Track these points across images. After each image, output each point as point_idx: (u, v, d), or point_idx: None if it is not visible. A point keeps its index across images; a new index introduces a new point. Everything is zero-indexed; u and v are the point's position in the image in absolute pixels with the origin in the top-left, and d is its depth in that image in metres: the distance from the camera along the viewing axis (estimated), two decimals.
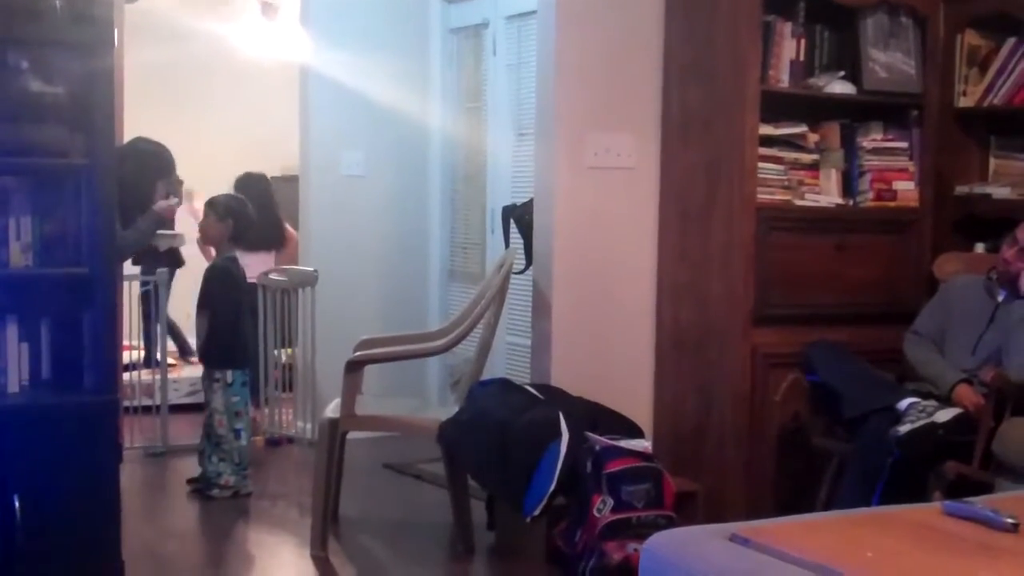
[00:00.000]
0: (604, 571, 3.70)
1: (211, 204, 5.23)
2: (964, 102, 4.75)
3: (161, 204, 5.09)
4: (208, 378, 5.14)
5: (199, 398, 5.73)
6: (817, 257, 4.48)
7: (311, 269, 6.03)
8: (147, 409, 6.02)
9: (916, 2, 4.66)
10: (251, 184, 6.60)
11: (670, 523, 3.70)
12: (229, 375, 5.10)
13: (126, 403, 5.60)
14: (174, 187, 5.24)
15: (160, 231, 5.04)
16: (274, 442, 6.14)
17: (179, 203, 5.07)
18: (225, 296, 5.13)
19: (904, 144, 4.69)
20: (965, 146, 4.81)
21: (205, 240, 5.13)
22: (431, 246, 6.53)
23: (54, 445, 3.43)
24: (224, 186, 7.05)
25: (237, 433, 5.11)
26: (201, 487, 5.13)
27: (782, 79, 4.47)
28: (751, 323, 4.37)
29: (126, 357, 6.08)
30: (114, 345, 3.64)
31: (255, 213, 5.32)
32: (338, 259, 6.15)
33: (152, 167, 4.96)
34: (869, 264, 4.58)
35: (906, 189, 4.67)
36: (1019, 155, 4.78)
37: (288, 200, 6.74)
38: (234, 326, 5.18)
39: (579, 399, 4.23)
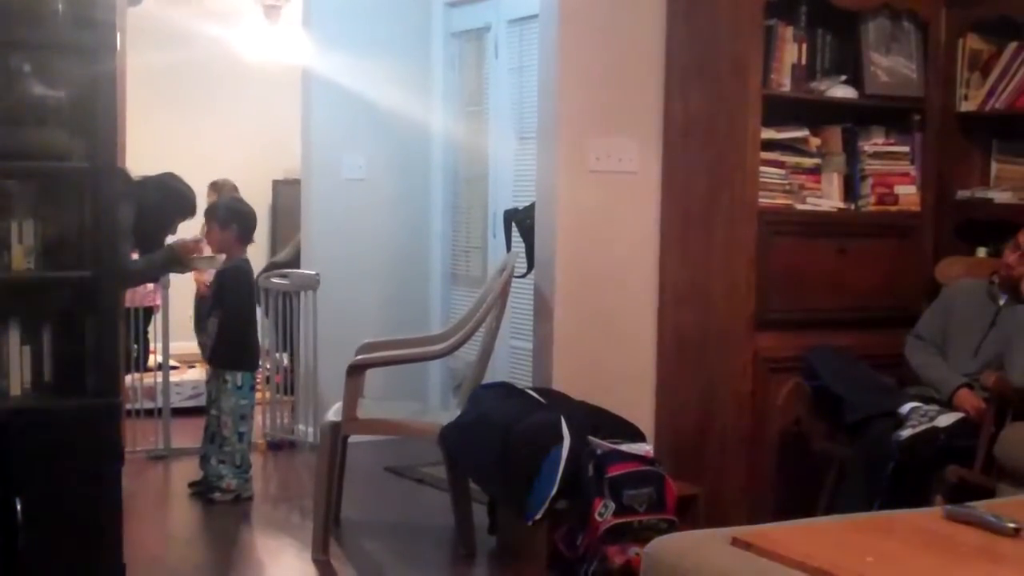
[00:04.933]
0: (606, 575, 3.70)
1: (210, 213, 5.22)
2: (966, 106, 4.74)
3: (180, 240, 4.96)
4: (217, 379, 5.14)
5: (201, 401, 5.74)
6: (818, 261, 4.48)
7: (313, 273, 6.03)
8: (149, 412, 6.03)
9: (918, 6, 4.66)
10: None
11: (671, 527, 3.71)
12: (239, 377, 5.10)
13: (128, 406, 5.60)
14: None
15: (198, 256, 5.03)
16: (276, 446, 6.14)
17: (197, 240, 5.06)
18: (238, 298, 5.13)
19: (906, 148, 4.69)
20: (967, 150, 4.81)
21: (212, 249, 5.13)
22: (433, 250, 6.53)
23: (56, 448, 3.42)
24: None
25: (240, 436, 5.11)
26: (203, 490, 5.13)
27: (784, 83, 4.47)
28: (753, 327, 4.36)
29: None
30: (116, 348, 3.63)
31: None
32: (340, 263, 6.15)
33: (173, 204, 4.95)
34: (871, 268, 4.58)
35: (908, 193, 4.67)
36: (1021, 159, 4.77)
37: (290, 204, 6.74)
38: (246, 328, 5.19)
39: (580, 403, 4.23)
